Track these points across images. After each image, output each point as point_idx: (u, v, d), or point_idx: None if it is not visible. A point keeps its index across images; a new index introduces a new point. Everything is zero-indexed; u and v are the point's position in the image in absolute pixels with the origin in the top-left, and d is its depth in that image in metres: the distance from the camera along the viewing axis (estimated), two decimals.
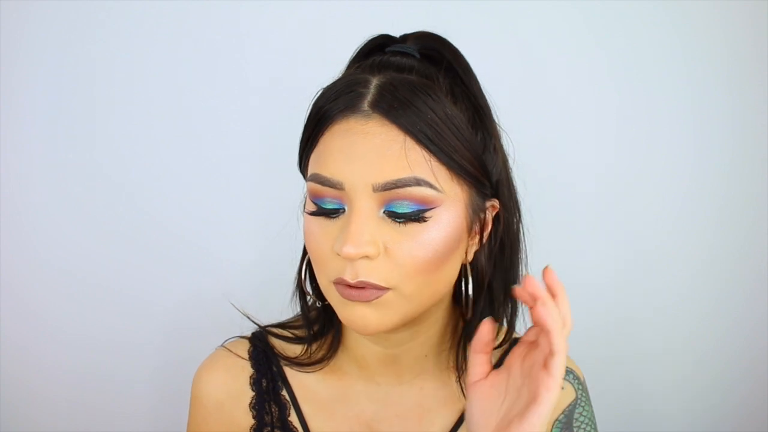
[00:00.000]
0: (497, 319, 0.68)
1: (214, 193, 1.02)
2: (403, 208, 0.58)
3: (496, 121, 0.67)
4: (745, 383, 1.08)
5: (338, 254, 0.58)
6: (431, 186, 0.58)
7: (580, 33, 1.02)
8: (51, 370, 1.02)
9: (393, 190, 0.57)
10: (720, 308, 1.07)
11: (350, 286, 0.59)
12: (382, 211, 0.59)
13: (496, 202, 0.66)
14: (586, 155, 1.04)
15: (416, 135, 0.58)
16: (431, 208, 0.59)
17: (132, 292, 1.02)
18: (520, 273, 0.70)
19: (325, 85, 0.64)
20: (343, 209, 0.60)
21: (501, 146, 0.66)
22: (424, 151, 0.58)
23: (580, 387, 0.73)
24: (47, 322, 1.01)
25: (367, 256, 0.58)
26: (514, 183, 0.69)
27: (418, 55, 0.65)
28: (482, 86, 0.67)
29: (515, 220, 0.68)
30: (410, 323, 0.64)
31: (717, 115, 1.02)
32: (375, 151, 0.57)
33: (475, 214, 0.63)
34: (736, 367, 1.08)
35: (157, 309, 1.02)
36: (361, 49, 0.69)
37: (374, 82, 0.61)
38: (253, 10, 0.99)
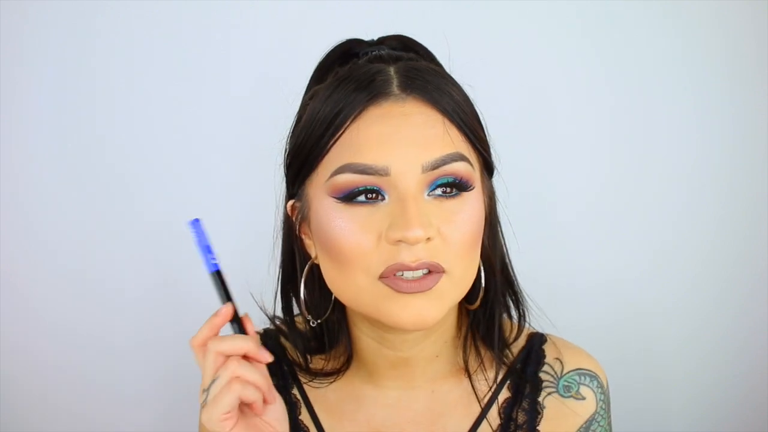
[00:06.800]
0: (506, 311, 0.69)
1: (216, 193, 1.02)
2: (447, 179, 0.58)
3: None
4: (745, 384, 1.09)
5: (399, 240, 0.56)
6: (470, 162, 0.60)
7: (576, 33, 1.02)
8: (51, 370, 1.01)
9: (440, 168, 0.58)
10: (720, 309, 1.07)
11: (407, 280, 0.57)
12: (426, 193, 0.58)
13: (491, 184, 0.67)
14: (585, 156, 1.04)
15: (452, 115, 0.60)
16: (468, 187, 0.60)
17: (133, 292, 1.01)
18: (505, 250, 0.69)
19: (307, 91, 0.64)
20: (383, 197, 0.58)
21: None
22: (458, 131, 0.60)
23: (602, 397, 0.71)
24: (48, 321, 1.01)
25: (429, 238, 0.57)
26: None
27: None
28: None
29: (495, 197, 0.68)
30: None
31: (717, 116, 1.03)
32: (419, 132, 0.58)
33: (487, 196, 0.65)
34: (736, 368, 1.08)
35: (160, 309, 1.02)
36: (330, 54, 0.67)
37: (392, 69, 0.61)
38: (245, 9, 0.99)
